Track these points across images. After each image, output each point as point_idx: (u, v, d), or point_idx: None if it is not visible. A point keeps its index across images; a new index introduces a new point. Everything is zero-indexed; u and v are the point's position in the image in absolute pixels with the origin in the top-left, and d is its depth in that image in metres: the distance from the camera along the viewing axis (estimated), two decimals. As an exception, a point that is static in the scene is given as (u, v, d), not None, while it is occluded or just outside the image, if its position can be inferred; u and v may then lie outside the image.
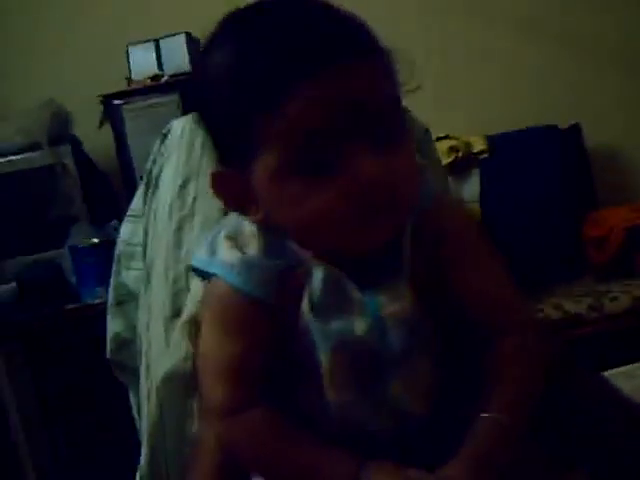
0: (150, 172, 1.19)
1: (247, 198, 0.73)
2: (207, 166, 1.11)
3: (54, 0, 2.71)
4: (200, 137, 1.14)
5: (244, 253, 0.74)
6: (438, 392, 0.77)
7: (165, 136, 1.20)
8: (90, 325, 1.51)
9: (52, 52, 2.66)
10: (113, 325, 1.21)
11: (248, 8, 0.73)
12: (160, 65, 2.43)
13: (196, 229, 1.09)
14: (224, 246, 0.75)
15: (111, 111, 2.34)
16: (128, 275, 1.21)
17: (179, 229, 1.10)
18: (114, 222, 2.17)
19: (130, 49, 2.45)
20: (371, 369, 0.74)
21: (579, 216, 2.51)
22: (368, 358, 0.74)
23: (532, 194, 2.46)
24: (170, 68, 2.44)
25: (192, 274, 0.84)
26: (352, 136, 0.67)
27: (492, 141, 2.49)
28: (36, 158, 2.29)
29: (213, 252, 0.76)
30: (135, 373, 1.13)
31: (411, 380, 0.75)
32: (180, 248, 1.08)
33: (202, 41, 0.76)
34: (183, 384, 0.99)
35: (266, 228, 0.75)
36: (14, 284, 2.24)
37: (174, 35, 2.46)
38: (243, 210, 0.75)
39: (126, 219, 1.25)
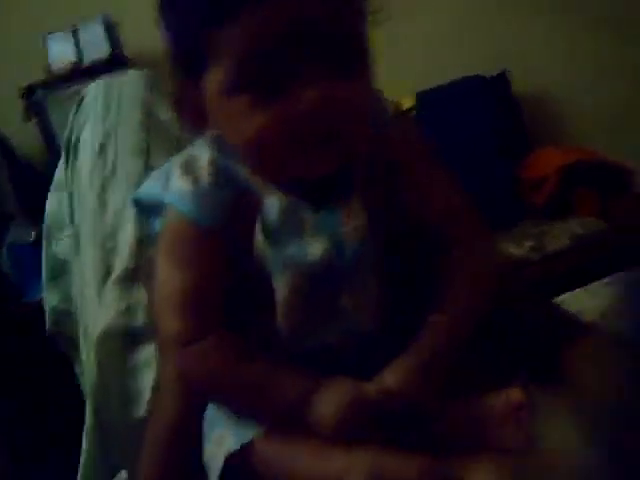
0: (69, 140, 1.18)
1: (201, 113, 0.74)
2: (125, 125, 1.10)
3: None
4: (115, 98, 1.13)
5: (197, 182, 0.74)
6: (386, 309, 0.79)
7: (80, 102, 1.18)
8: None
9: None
10: (50, 299, 1.20)
11: None
12: (79, 52, 2.39)
13: (120, 189, 1.07)
14: (176, 175, 0.75)
15: (34, 103, 2.28)
16: (58, 245, 1.19)
17: (103, 191, 1.09)
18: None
19: (48, 40, 2.40)
20: (325, 287, 0.75)
21: (513, 162, 2.53)
22: (323, 279, 0.75)
23: (464, 146, 2.46)
24: (90, 55, 2.40)
25: (130, 214, 0.82)
26: (302, 58, 0.67)
27: (421, 97, 2.50)
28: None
29: (166, 182, 0.76)
30: (75, 343, 1.12)
31: (360, 296, 0.77)
32: (105, 209, 1.07)
33: None
34: (121, 340, 0.99)
35: (219, 151, 0.75)
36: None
37: (91, 22, 2.42)
38: (198, 125, 0.76)
39: (50, 192, 1.23)
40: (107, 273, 1.06)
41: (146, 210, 0.82)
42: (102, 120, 1.15)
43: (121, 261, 1.05)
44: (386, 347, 0.75)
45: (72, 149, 1.18)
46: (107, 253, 1.06)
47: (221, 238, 0.74)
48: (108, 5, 2.46)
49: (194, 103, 0.74)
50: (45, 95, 2.28)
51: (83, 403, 1.16)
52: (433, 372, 0.71)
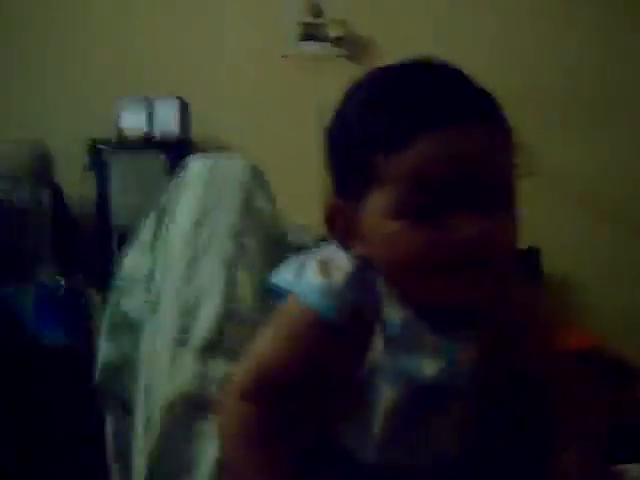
0: (164, 208, 1.21)
1: (353, 232, 0.78)
2: (223, 207, 1.14)
3: (49, 42, 2.73)
4: (218, 179, 1.17)
5: (331, 280, 0.78)
6: (474, 436, 0.82)
7: (180, 173, 1.22)
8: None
9: (40, 94, 2.66)
10: (105, 353, 1.19)
11: (387, 68, 0.80)
12: (151, 123, 2.46)
13: (209, 265, 1.10)
14: (312, 269, 0.79)
15: (97, 158, 2.36)
16: (130, 303, 1.20)
17: (193, 264, 1.11)
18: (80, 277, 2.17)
19: (120, 102, 2.48)
20: (429, 405, 0.78)
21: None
22: (430, 397, 0.78)
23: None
24: (160, 129, 2.47)
25: (271, 293, 0.86)
26: (461, 192, 0.72)
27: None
28: (15, 198, 2.25)
29: (299, 274, 0.80)
30: (120, 401, 1.12)
31: (452, 420, 0.80)
32: (192, 282, 1.09)
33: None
34: (192, 405, 0.99)
35: (361, 263, 0.78)
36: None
37: (167, 97, 2.52)
38: (346, 242, 0.80)
39: (133, 249, 1.25)
40: (184, 341, 1.07)
41: (272, 293, 0.85)
42: (202, 198, 1.18)
43: (201, 331, 1.06)
44: (465, 472, 0.80)
45: (165, 218, 1.22)
46: (188, 323, 1.08)
47: (335, 332, 0.77)
48: (183, 87, 2.55)
49: (347, 222, 0.78)
50: (111, 154, 2.33)
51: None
52: None
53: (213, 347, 1.05)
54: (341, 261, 0.80)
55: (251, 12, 2.75)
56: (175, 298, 1.12)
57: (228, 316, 1.07)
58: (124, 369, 1.17)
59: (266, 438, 0.77)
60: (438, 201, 0.72)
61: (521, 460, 0.84)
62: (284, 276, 0.82)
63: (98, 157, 2.36)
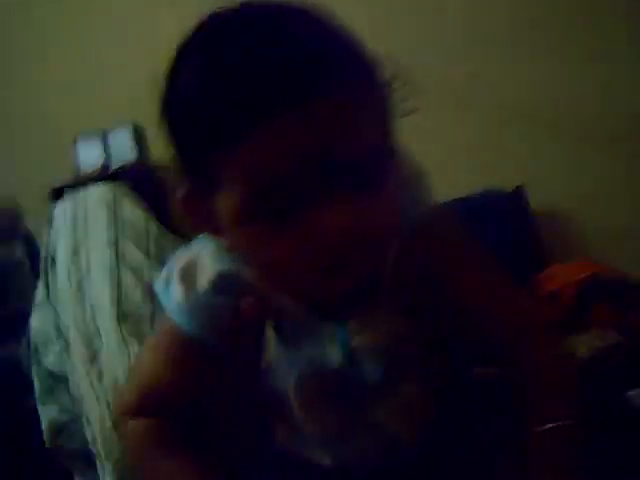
0: (45, 260, 1.21)
1: (213, 221, 0.70)
2: (94, 226, 1.15)
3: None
4: (82, 207, 1.17)
5: (193, 289, 0.73)
6: (430, 421, 0.77)
7: (51, 222, 1.22)
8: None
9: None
10: (47, 413, 1.20)
11: (224, 19, 0.67)
12: (108, 157, 2.45)
13: (96, 283, 1.09)
14: (175, 279, 0.75)
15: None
16: (48, 358, 1.20)
17: (78, 289, 1.10)
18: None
19: (78, 143, 2.46)
20: (346, 399, 0.74)
21: (529, 277, 2.53)
22: (342, 388, 0.74)
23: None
24: (117, 160, 2.46)
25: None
26: (317, 185, 0.63)
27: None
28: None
29: (167, 282, 0.77)
30: (77, 454, 1.12)
31: (396, 408, 0.75)
32: (83, 304, 1.09)
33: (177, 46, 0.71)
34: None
35: (231, 258, 0.73)
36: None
37: (121, 128, 2.50)
38: (213, 233, 0.72)
39: (33, 312, 1.25)
40: (93, 358, 1.07)
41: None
42: (72, 229, 1.19)
43: (107, 340, 1.05)
44: (425, 461, 0.75)
45: (50, 267, 1.22)
46: (93, 342, 1.07)
47: (211, 349, 0.74)
48: (137, 112, 2.54)
49: (206, 212, 0.70)
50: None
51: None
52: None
53: (123, 342, 1.05)
54: (206, 261, 0.74)
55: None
56: (76, 330, 1.12)
57: (123, 317, 1.07)
58: (68, 422, 1.17)
59: (165, 450, 0.74)
60: (287, 199, 0.62)
61: (487, 451, 0.77)
62: (158, 284, 0.78)
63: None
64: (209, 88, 0.64)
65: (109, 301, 1.08)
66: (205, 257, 0.75)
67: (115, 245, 1.16)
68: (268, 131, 0.61)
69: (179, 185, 0.72)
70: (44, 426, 1.23)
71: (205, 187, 0.68)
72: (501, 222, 2.55)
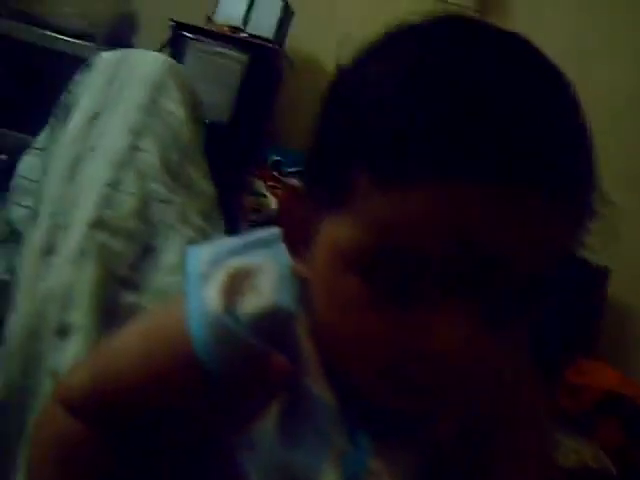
0: (64, 104, 1.05)
1: (307, 240, 0.55)
2: (125, 103, 0.99)
3: None
4: (124, 74, 1.02)
5: (233, 307, 0.55)
6: None
7: (87, 68, 1.06)
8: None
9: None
10: None
11: (443, 37, 0.50)
12: (246, 20, 2.30)
13: (90, 169, 0.94)
14: (218, 280, 0.56)
15: (177, 41, 2.16)
16: (17, 211, 1.05)
17: (74, 165, 0.95)
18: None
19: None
20: None
21: (569, 358, 2.40)
22: None
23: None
24: (253, 28, 2.31)
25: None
26: (454, 285, 0.48)
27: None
28: (84, 49, 2.07)
29: (206, 278, 0.57)
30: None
31: None
32: (71, 183, 0.94)
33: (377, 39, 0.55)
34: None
35: (292, 296, 0.56)
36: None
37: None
38: (293, 248, 0.57)
39: (28, 152, 1.10)
40: (49, 251, 0.91)
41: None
42: (102, 93, 1.03)
43: (69, 241, 0.90)
44: None
45: (63, 113, 1.06)
46: (57, 230, 0.92)
47: (210, 381, 0.55)
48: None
49: (302, 224, 0.55)
50: (190, 40, 2.17)
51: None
52: None
53: (82, 255, 0.90)
54: (265, 283, 0.56)
55: None
56: (51, 200, 0.96)
57: (99, 224, 0.91)
58: (11, 284, 1.03)
59: (67, 448, 0.60)
60: (422, 278, 0.48)
61: None
62: (194, 269, 0.58)
63: (177, 40, 2.16)
64: (392, 104, 0.47)
65: (94, 196, 0.91)
66: (265, 277, 0.57)
67: (135, 136, 0.98)
68: (454, 189, 0.45)
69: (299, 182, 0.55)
70: None
71: (326, 201, 0.52)
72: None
